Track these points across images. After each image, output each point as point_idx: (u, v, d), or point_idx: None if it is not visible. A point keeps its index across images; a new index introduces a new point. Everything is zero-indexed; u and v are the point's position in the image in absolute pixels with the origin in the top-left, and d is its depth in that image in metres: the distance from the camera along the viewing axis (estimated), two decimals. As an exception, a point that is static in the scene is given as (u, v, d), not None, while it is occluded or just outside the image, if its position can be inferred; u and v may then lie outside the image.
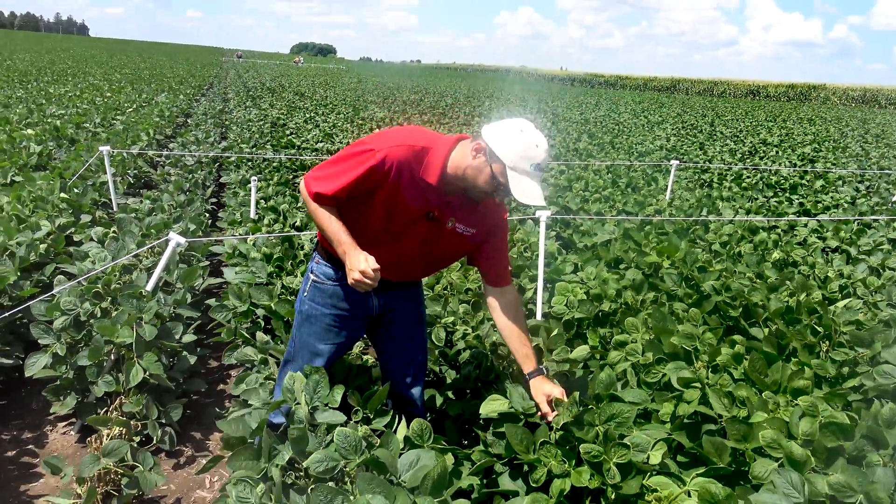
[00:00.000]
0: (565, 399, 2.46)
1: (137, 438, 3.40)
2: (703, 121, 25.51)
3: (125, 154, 9.14)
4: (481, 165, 2.24)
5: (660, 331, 3.57)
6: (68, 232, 5.34)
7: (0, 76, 23.39)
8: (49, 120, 11.49)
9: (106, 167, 6.27)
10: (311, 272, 2.59)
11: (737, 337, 3.51)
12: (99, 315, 3.58)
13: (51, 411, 3.66)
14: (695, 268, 4.75)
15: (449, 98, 32.22)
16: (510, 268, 2.65)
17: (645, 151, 12.73)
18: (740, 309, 4.27)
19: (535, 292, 4.56)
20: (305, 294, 2.61)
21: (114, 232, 4.77)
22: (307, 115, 16.77)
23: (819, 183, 9.74)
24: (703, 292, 4.63)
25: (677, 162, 8.03)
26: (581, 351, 3.78)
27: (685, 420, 2.93)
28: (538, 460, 2.42)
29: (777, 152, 14.47)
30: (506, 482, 2.52)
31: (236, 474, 2.20)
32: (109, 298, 3.63)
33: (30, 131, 9.38)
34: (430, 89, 40.33)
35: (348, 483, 2.18)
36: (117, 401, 3.41)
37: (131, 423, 3.34)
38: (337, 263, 2.46)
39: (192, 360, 3.73)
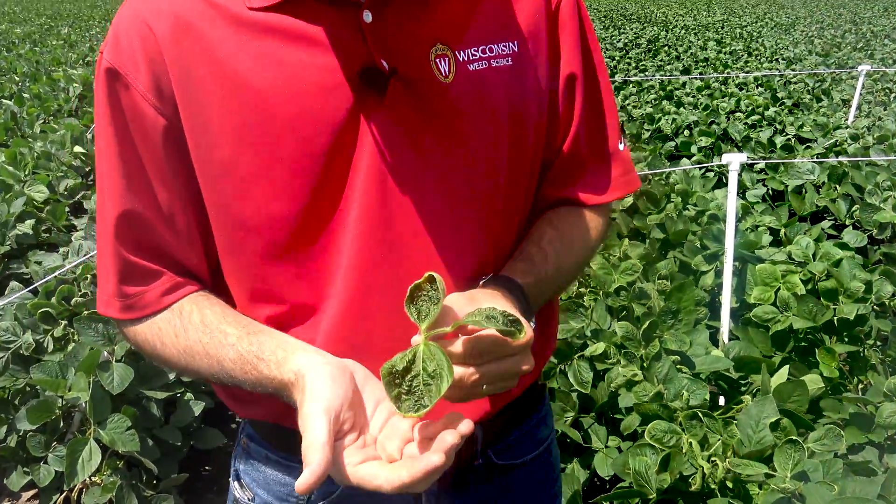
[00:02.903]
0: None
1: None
2: (840, 20, 22.08)
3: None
4: None
5: None
6: (77, 198, 4.15)
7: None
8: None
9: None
10: None
11: None
12: (50, 349, 2.33)
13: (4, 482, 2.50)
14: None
15: None
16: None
17: (795, 58, 10.45)
18: None
19: (714, 276, 3.00)
20: None
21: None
22: None
23: None
24: None
25: (867, 67, 6.01)
26: (811, 382, 2.26)
27: None
28: None
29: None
30: None
31: None
32: (64, 322, 2.36)
33: (78, 71, 8.33)
34: None
35: None
36: (76, 488, 2.19)
37: (92, 529, 2.11)
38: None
39: (199, 407, 2.45)
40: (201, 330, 0.80)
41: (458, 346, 0.69)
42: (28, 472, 2.31)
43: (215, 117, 0.75)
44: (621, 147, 0.96)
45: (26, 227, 3.50)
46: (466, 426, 0.64)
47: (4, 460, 2.30)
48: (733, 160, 2.69)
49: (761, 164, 4.25)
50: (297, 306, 0.81)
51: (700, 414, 1.80)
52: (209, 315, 0.81)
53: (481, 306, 0.71)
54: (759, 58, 10.73)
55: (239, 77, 0.74)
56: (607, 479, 2.27)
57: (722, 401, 2.43)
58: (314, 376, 0.69)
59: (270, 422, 0.89)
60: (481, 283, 0.82)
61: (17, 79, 8.28)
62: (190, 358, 0.81)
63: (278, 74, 0.74)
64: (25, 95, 6.91)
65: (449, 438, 0.62)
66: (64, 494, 2.25)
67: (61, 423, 2.25)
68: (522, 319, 0.71)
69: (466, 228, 0.82)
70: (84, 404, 2.10)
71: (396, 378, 0.66)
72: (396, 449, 0.67)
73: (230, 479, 0.99)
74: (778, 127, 5.61)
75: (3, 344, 2.29)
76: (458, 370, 0.69)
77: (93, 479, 2.21)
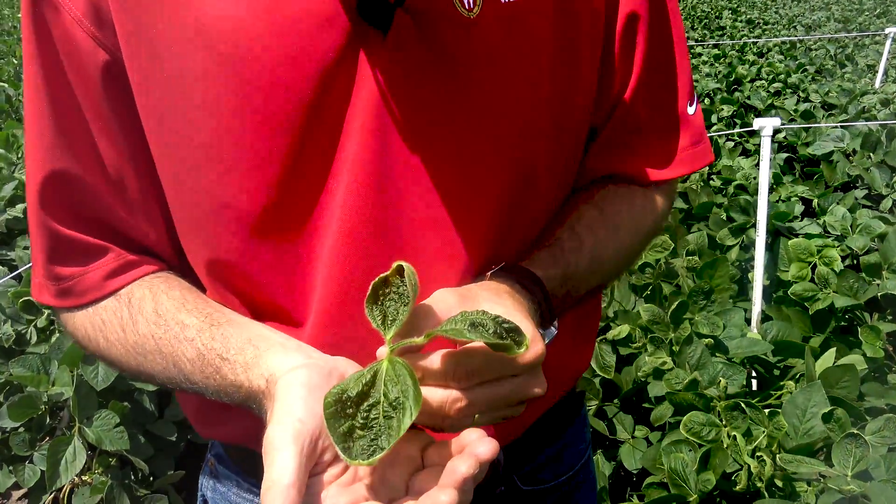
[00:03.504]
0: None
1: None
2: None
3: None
4: None
5: None
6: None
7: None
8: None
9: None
10: None
11: None
12: (34, 340, 2.18)
13: (-10, 483, 2.36)
14: None
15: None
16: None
17: (814, 24, 10.11)
18: None
19: (740, 251, 2.80)
20: None
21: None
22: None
23: None
24: None
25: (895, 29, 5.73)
26: (854, 360, 2.09)
27: None
28: None
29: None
30: None
31: None
32: (47, 311, 2.21)
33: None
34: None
35: None
36: (65, 488, 2.04)
37: (80, 534, 1.96)
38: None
39: (195, 400, 2.29)
40: (154, 321, 0.62)
41: (434, 361, 0.51)
42: (12, 472, 2.18)
43: (167, 55, 0.56)
44: (691, 110, 0.76)
45: (17, 211, 3.34)
46: (486, 449, 0.45)
47: (-11, 459, 2.16)
48: (766, 125, 2.48)
49: (783, 134, 4.03)
50: (273, 304, 0.63)
51: (742, 404, 1.62)
52: (165, 302, 0.63)
53: (476, 307, 0.53)
54: (776, 25, 10.40)
55: (200, 3, 0.55)
56: (634, 472, 2.11)
57: (755, 386, 2.25)
58: (287, 385, 0.50)
59: (241, 445, 0.71)
60: (489, 274, 0.63)
61: (16, 62, 8.10)
62: (141, 358, 0.63)
63: (252, 1, 0.55)
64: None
65: (462, 468, 0.44)
66: (53, 495, 2.10)
67: (48, 420, 2.11)
68: (528, 328, 0.52)
69: (489, 209, 0.63)
70: (69, 399, 1.94)
71: (348, 407, 0.48)
72: (400, 482, 0.49)
73: None
74: (802, 95, 5.37)
75: (-18, 335, 2.13)
76: (438, 394, 0.51)
77: (83, 478, 2.06)
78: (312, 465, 0.47)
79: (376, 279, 0.52)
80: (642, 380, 2.00)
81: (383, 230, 0.60)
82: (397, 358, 0.50)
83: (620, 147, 0.74)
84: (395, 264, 0.51)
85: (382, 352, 0.50)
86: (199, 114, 0.56)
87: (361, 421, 0.47)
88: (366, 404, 0.48)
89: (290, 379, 0.51)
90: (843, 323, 2.46)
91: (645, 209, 0.76)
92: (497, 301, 0.56)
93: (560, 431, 0.82)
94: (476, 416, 0.52)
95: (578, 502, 0.86)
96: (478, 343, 0.49)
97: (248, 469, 0.74)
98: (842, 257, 2.54)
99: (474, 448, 0.45)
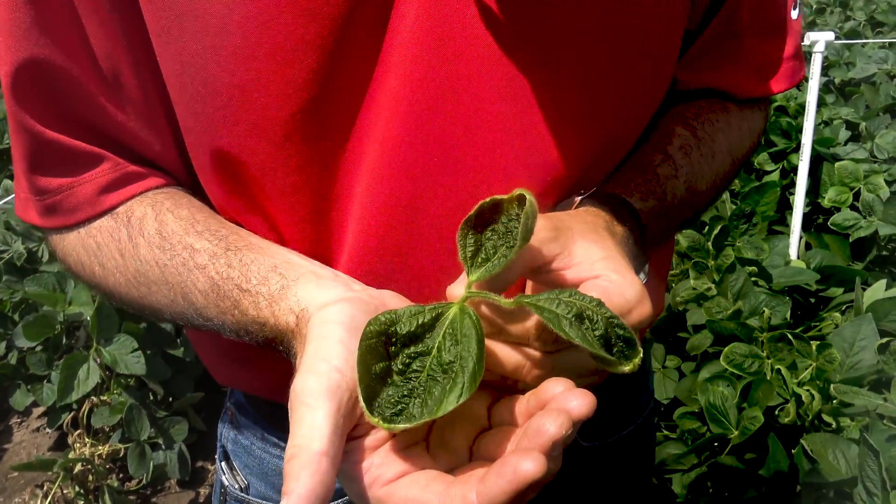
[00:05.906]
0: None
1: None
2: None
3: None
4: None
5: None
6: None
7: None
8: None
9: None
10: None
11: None
12: (46, 259, 2.11)
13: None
14: None
15: None
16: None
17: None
18: None
19: (781, 173, 2.67)
20: None
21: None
22: None
23: None
24: None
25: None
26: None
27: None
28: None
29: None
30: None
31: None
32: (59, 229, 2.13)
33: None
34: None
35: None
36: (84, 407, 2.01)
37: (98, 452, 1.94)
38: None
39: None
40: (158, 245, 0.50)
41: (519, 318, 0.41)
42: (30, 390, 2.16)
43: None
44: (794, 14, 0.64)
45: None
46: (581, 403, 0.35)
47: (6, 378, 2.13)
48: (819, 39, 2.30)
49: (825, 53, 3.80)
50: (298, 230, 0.51)
51: (789, 335, 1.53)
52: (171, 223, 0.51)
53: (570, 245, 0.42)
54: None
55: None
56: (664, 401, 2.05)
57: (789, 316, 2.17)
58: (322, 323, 0.40)
59: (264, 398, 0.62)
60: (577, 199, 0.51)
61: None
62: (144, 288, 0.52)
63: None
64: None
65: (551, 428, 0.34)
66: (72, 414, 2.08)
67: (64, 340, 2.06)
68: (634, 280, 0.42)
69: (572, 112, 0.50)
70: (88, 320, 1.89)
71: (391, 343, 0.38)
72: (462, 444, 0.40)
73: (216, 457, 0.73)
74: (849, 13, 5.08)
75: (-6, 252, 2.07)
76: (515, 356, 0.41)
77: (101, 398, 2.03)
78: (352, 427, 0.38)
79: (486, 200, 0.40)
80: (679, 308, 1.91)
81: (441, 140, 0.48)
82: (470, 309, 0.39)
83: (716, 58, 0.62)
84: (516, 191, 0.40)
85: (456, 291, 0.40)
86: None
87: (401, 366, 0.37)
88: (412, 349, 0.38)
89: (327, 316, 0.40)
90: (884, 252, 2.35)
91: (742, 131, 0.65)
92: (595, 239, 0.44)
93: (626, 383, 0.73)
94: None
95: (639, 457, 0.77)
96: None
97: (275, 421, 0.64)
98: (887, 183, 2.41)
99: (564, 402, 0.35)
